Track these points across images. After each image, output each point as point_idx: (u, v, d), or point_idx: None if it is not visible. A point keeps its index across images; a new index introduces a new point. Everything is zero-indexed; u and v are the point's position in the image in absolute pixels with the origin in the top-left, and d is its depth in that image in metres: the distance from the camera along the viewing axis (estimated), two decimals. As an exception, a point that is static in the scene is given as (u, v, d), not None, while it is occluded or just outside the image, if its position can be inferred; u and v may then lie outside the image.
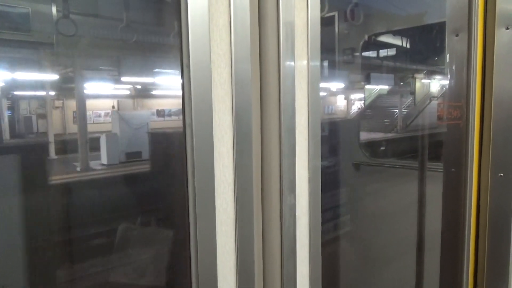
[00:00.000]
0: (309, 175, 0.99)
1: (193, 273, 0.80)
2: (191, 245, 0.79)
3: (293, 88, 0.92)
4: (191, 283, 0.80)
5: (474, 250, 1.77)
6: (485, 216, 1.72)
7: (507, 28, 1.60)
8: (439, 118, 1.86)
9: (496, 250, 1.71)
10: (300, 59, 0.94)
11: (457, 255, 1.78)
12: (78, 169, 4.78)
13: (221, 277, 0.83)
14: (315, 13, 0.96)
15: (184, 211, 0.80)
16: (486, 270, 1.75)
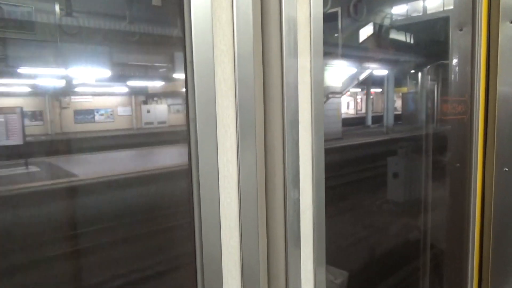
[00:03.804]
0: (312, 170, 0.99)
1: (198, 267, 0.80)
2: (196, 239, 0.80)
3: (296, 83, 0.92)
4: (196, 276, 0.81)
5: (479, 244, 1.77)
6: (490, 210, 1.72)
7: (511, 22, 1.60)
8: (442, 113, 1.85)
9: (501, 245, 1.71)
10: (303, 54, 0.94)
11: (462, 249, 1.79)
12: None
13: (226, 271, 0.84)
14: (318, 8, 0.97)
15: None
16: (491, 264, 1.75)
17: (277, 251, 0.94)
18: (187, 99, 0.77)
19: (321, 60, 0.98)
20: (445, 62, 1.84)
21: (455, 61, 1.76)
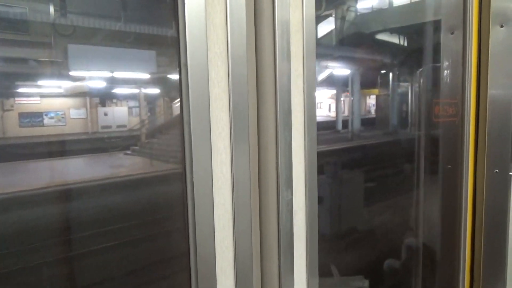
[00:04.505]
0: (305, 171, 1.00)
1: (192, 267, 0.81)
2: (190, 240, 0.81)
3: (289, 85, 0.93)
4: (190, 277, 0.82)
5: (470, 246, 1.78)
6: (481, 212, 1.74)
7: (502, 26, 1.62)
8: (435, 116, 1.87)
9: (493, 246, 1.72)
10: (296, 57, 0.95)
11: (454, 251, 1.80)
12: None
13: (219, 271, 0.85)
14: (310, 11, 0.98)
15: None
16: (482, 266, 1.76)
17: (270, 250, 0.95)
18: (181, 101, 0.78)
19: (313, 62, 0.99)
20: (435, 64, 1.86)
21: (446, 64, 1.78)
